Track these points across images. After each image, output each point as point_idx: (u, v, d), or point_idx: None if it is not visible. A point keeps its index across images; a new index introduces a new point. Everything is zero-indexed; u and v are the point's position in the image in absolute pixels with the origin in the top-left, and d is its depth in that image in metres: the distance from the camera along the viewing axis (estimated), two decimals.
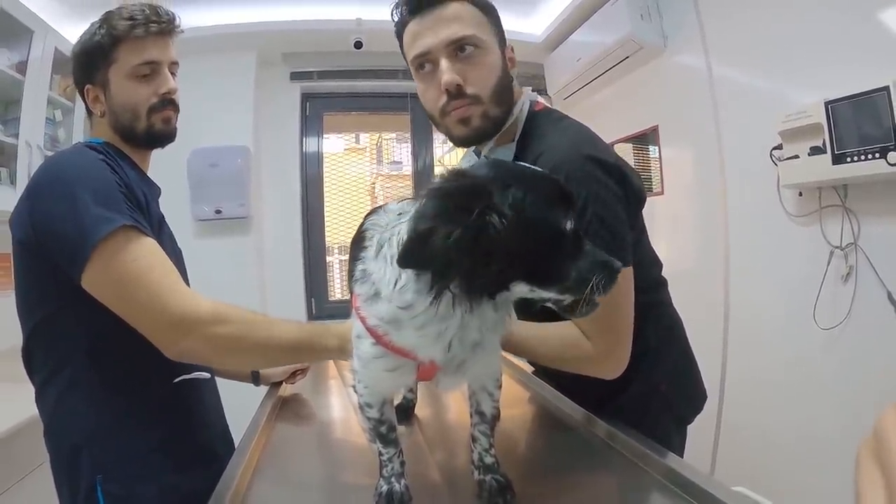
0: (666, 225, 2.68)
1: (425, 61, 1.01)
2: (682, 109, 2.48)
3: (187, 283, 1.27)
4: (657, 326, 1.10)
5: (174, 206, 2.85)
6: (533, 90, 1.13)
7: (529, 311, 1.00)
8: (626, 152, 2.90)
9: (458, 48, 0.98)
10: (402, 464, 0.82)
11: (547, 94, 3.46)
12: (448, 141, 1.11)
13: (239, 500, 0.83)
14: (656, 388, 1.09)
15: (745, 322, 2.21)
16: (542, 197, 0.63)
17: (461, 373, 0.76)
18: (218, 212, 2.95)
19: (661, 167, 2.66)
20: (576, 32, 2.91)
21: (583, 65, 2.88)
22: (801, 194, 1.92)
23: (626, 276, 0.93)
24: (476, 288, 0.63)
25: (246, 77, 3.15)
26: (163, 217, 1.17)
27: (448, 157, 3.69)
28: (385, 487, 0.79)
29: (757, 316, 2.14)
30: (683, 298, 2.33)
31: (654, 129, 2.66)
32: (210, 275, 2.88)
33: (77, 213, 0.90)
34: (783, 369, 2.00)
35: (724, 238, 2.26)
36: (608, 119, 3.04)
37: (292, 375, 1.38)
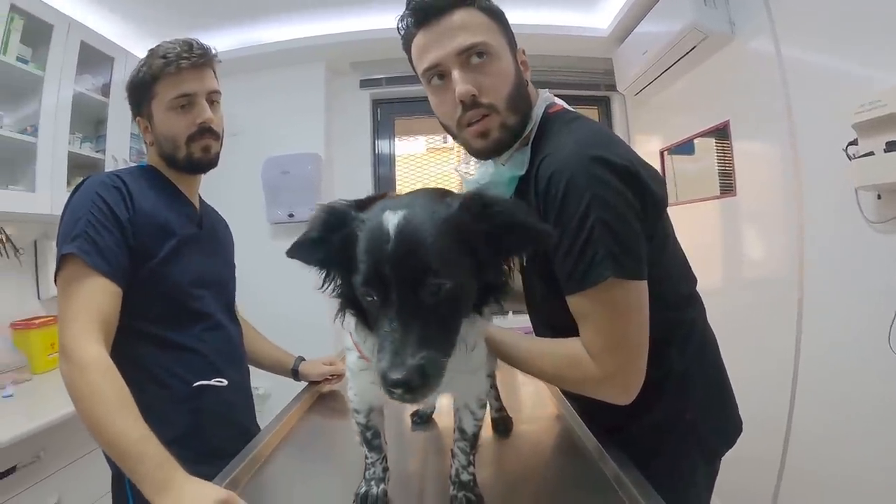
0: (739, 230, 2.48)
1: (436, 73, 0.98)
2: (753, 102, 2.26)
3: (233, 287, 1.42)
4: (684, 350, 1.01)
5: (251, 211, 3.16)
6: (549, 91, 1.09)
7: (554, 328, 1.00)
8: (706, 150, 2.72)
9: (468, 57, 0.95)
10: (385, 469, 0.87)
11: (618, 92, 3.34)
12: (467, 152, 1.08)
13: (255, 467, 0.97)
14: (681, 415, 1.00)
15: (818, 341, 1.97)
16: (367, 238, 0.63)
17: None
18: (290, 215, 3.13)
19: (733, 166, 2.46)
20: (641, 23, 2.75)
21: (650, 58, 2.71)
22: (879, 197, 1.67)
23: (634, 290, 0.86)
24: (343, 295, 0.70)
25: (316, 87, 3.30)
26: (196, 235, 1.29)
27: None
28: (363, 489, 0.85)
29: (830, 336, 1.91)
30: (753, 311, 2.18)
31: (726, 125, 2.47)
32: (284, 274, 3.09)
33: (58, 235, 1.11)
34: (856, 398, 1.77)
35: (798, 246, 2.03)
36: (680, 116, 2.87)
37: (327, 380, 1.48)
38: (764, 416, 1.89)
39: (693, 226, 2.75)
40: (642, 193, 0.88)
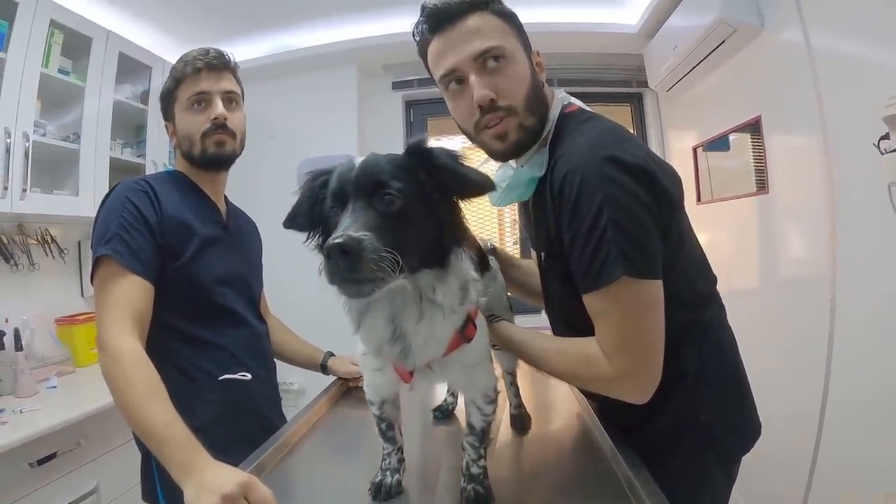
0: (772, 228, 2.40)
1: (453, 79, 0.99)
2: (784, 96, 2.18)
3: (258, 287, 1.48)
4: (700, 349, 0.99)
5: (285, 212, 3.18)
6: (567, 93, 1.09)
7: (572, 328, 1.01)
8: (741, 146, 2.63)
9: (485, 61, 0.96)
10: (401, 461, 0.91)
11: (649, 88, 3.28)
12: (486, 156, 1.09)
13: (281, 455, 1.02)
14: (696, 417, 0.98)
15: (851, 339, 1.89)
16: (338, 172, 0.73)
17: (433, 376, 0.83)
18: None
19: (765, 162, 2.39)
20: (670, 17, 2.69)
21: (680, 52, 2.65)
22: None
23: (648, 289, 0.85)
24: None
25: (349, 90, 3.35)
26: (220, 236, 1.34)
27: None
28: (378, 478, 0.89)
29: (863, 334, 1.83)
30: (786, 309, 2.11)
31: (758, 120, 2.39)
32: (317, 273, 3.16)
33: (92, 238, 1.17)
34: (889, 397, 1.69)
35: (831, 243, 1.95)
36: (712, 111, 2.80)
37: (354, 380, 1.51)
38: (795, 415, 1.84)
39: (729, 223, 2.68)
40: (656, 192, 0.87)
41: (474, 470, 0.85)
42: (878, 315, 1.76)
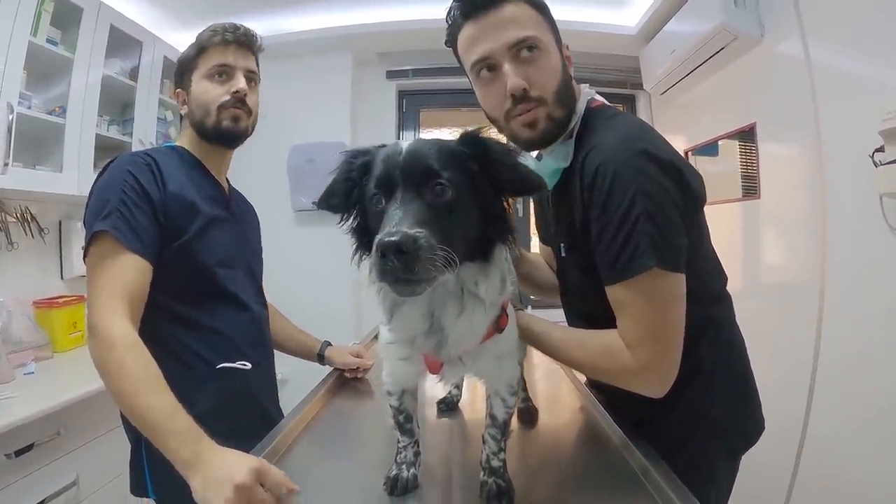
0: (761, 233, 2.45)
1: (486, 66, 0.98)
2: (780, 105, 2.23)
3: (260, 271, 1.43)
4: (713, 346, 1.02)
5: (276, 198, 3.17)
6: (591, 88, 1.09)
7: (589, 319, 1.01)
8: (731, 152, 2.69)
9: (519, 51, 0.95)
10: (417, 454, 0.89)
11: (644, 90, 3.31)
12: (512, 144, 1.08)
13: (279, 454, 0.98)
14: (707, 412, 1.01)
15: (837, 347, 1.94)
16: (383, 156, 0.69)
17: (463, 367, 0.81)
18: (315, 203, 3.13)
19: (758, 168, 2.43)
20: (669, 22, 2.72)
21: (677, 57, 2.69)
22: None
23: (674, 282, 0.87)
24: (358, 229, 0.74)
25: (343, 76, 3.31)
26: (223, 216, 1.30)
27: None
28: (394, 472, 0.86)
29: (850, 344, 1.88)
30: (773, 315, 2.16)
31: (752, 127, 2.44)
32: (308, 260, 3.15)
33: (88, 213, 1.11)
34: (873, 405, 1.74)
35: (820, 251, 2.00)
36: (705, 116, 2.84)
37: (352, 371, 1.48)
38: (780, 421, 1.87)
39: (714, 227, 2.72)
40: (683, 189, 0.89)
41: (494, 463, 0.84)
42: (865, 325, 1.82)
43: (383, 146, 0.72)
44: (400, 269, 0.57)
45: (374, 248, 0.58)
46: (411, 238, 0.57)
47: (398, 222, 0.60)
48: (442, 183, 0.65)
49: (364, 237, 0.74)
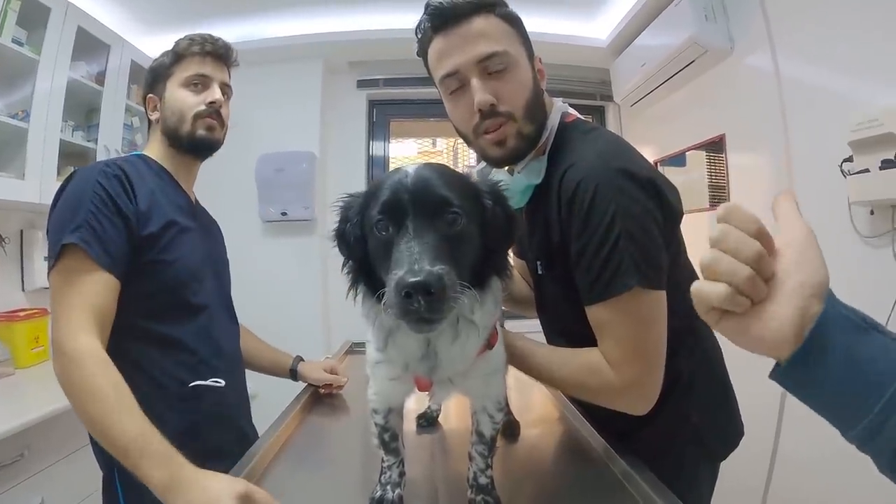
0: None
1: (454, 80, 0.97)
2: (749, 117, 2.31)
3: (228, 280, 1.39)
4: (692, 356, 1.02)
5: (243, 208, 3.10)
6: (564, 101, 1.09)
7: (568, 336, 1.00)
8: (698, 162, 2.76)
9: (488, 65, 0.94)
10: (402, 474, 0.85)
11: (613, 102, 3.37)
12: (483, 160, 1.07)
13: (257, 476, 0.93)
14: (686, 420, 1.01)
15: None
16: (387, 180, 0.66)
17: (452, 386, 0.78)
18: (283, 214, 3.08)
19: (727, 179, 2.50)
20: (640, 36, 2.79)
21: (647, 70, 2.76)
22: (872, 212, 1.72)
23: (655, 300, 0.87)
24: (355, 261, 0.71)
25: (313, 85, 3.27)
26: (192, 227, 1.26)
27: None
28: (378, 493, 0.83)
29: None
30: None
31: (721, 138, 2.50)
32: (276, 271, 3.10)
33: (53, 224, 1.06)
34: None
35: None
36: (674, 128, 2.91)
37: (326, 387, 1.44)
38: (750, 439, 1.93)
39: (687, 237, 2.77)
40: (662, 205, 0.89)
41: (482, 480, 0.82)
42: None
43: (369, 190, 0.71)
44: (426, 308, 0.55)
45: (394, 286, 0.55)
46: (437, 276, 0.55)
47: (418, 258, 0.57)
48: (456, 212, 0.62)
49: (363, 267, 0.70)
